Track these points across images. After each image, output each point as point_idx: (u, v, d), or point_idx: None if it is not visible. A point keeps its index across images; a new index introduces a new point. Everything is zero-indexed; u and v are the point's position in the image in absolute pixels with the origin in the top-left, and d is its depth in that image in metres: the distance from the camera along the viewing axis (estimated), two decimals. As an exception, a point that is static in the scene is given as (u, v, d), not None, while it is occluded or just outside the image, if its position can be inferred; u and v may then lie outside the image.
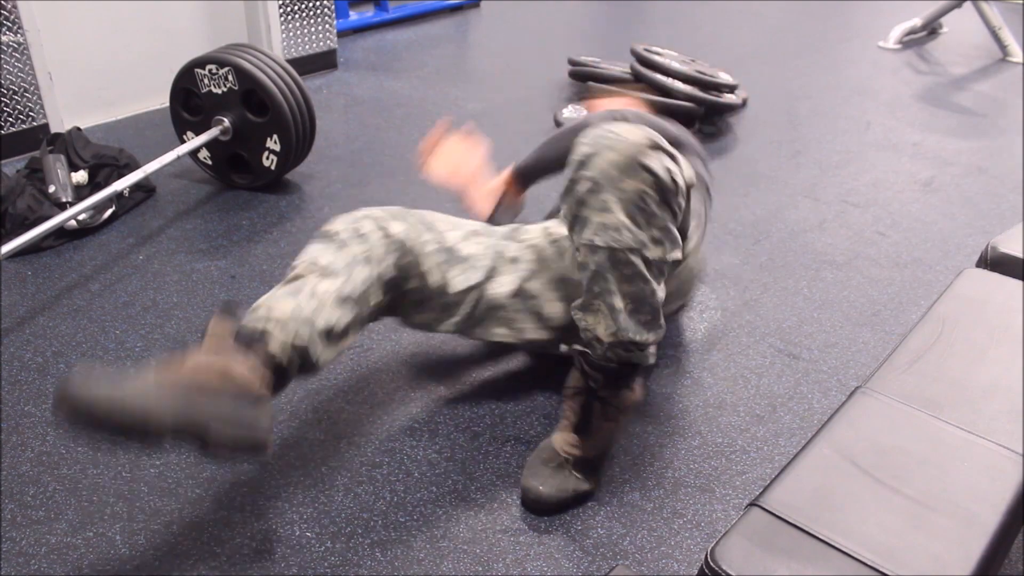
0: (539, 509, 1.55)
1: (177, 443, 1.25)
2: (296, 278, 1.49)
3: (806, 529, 1.04)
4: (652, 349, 1.54)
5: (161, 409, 1.21)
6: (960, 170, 3.09)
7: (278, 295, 1.45)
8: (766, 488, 1.10)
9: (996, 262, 1.71)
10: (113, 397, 1.18)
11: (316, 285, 1.47)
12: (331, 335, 1.46)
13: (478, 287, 1.68)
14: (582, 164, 1.40)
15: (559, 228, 1.78)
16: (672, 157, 1.44)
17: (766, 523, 1.05)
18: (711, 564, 0.99)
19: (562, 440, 1.59)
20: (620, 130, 1.39)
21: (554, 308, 1.71)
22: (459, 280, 1.67)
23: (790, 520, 1.05)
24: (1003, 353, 1.41)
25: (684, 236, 1.58)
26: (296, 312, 1.41)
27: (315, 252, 1.55)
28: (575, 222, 1.44)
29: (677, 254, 1.48)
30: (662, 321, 1.52)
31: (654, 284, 1.46)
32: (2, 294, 2.14)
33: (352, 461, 1.65)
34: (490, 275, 1.70)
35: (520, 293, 1.70)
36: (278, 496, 1.57)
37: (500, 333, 1.72)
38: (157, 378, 1.24)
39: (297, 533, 1.49)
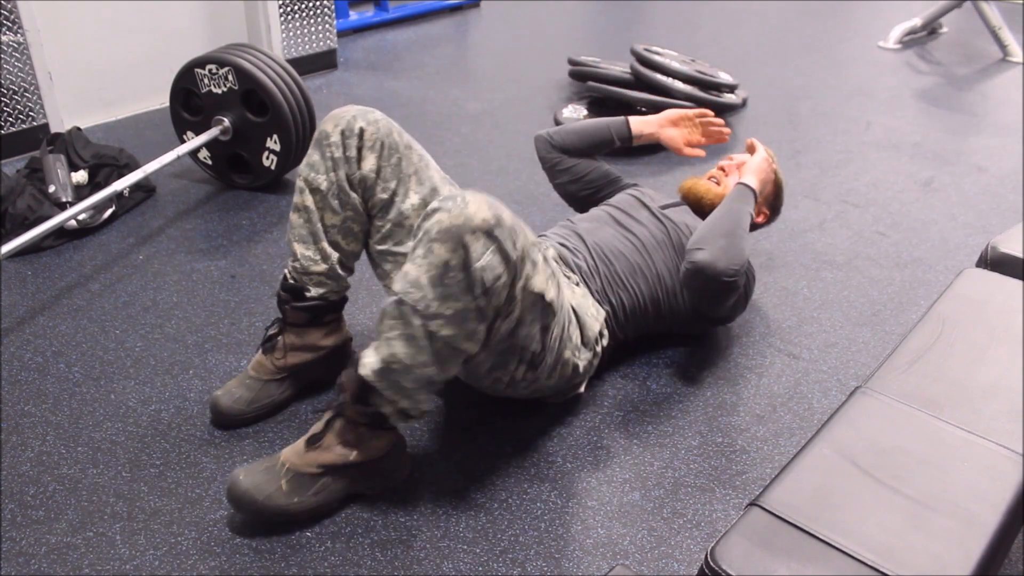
0: (231, 499, 1.48)
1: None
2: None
3: (806, 529, 1.04)
4: (407, 413, 1.47)
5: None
6: (960, 170, 3.09)
7: None
8: (766, 488, 1.10)
9: (996, 262, 1.71)
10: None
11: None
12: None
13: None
14: (427, 215, 1.36)
15: None
16: (504, 255, 1.35)
17: (766, 523, 1.05)
18: (711, 564, 0.99)
19: (291, 446, 1.52)
20: (469, 199, 1.34)
21: None
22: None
23: (790, 520, 1.05)
24: (1003, 353, 1.41)
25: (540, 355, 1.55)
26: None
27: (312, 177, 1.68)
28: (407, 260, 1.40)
29: (467, 347, 1.40)
30: (425, 397, 1.46)
31: (427, 357, 1.38)
32: (2, 294, 2.14)
33: (352, 461, 1.65)
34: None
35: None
36: (278, 496, 1.57)
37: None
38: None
39: (297, 533, 1.49)
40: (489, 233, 1.33)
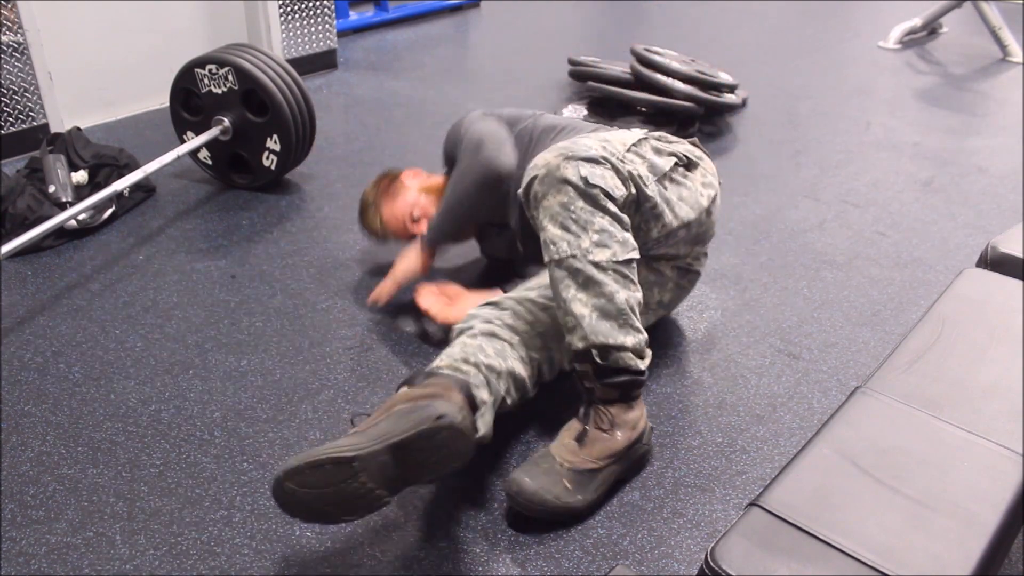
0: (520, 502, 1.49)
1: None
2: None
3: (806, 529, 1.04)
4: (641, 356, 1.55)
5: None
6: (960, 170, 3.09)
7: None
8: (766, 488, 1.10)
9: (996, 262, 1.71)
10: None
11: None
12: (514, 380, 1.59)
13: None
14: (523, 195, 1.56)
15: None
16: (590, 160, 1.51)
17: (766, 523, 1.05)
18: (711, 564, 0.99)
19: (559, 445, 1.57)
20: (537, 160, 1.54)
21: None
22: None
23: (790, 520, 1.05)
24: (1003, 353, 1.41)
25: (655, 220, 1.66)
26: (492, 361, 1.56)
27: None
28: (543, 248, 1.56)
29: (631, 255, 1.53)
30: (637, 324, 1.54)
31: (613, 285, 1.50)
32: (2, 294, 2.14)
33: (352, 461, 1.65)
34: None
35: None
36: (278, 496, 1.56)
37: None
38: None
39: (297, 533, 1.49)
40: (569, 158, 1.49)
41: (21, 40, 2.73)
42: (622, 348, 1.52)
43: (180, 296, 2.16)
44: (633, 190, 1.58)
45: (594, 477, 1.54)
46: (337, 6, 4.06)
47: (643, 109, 3.28)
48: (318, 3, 3.68)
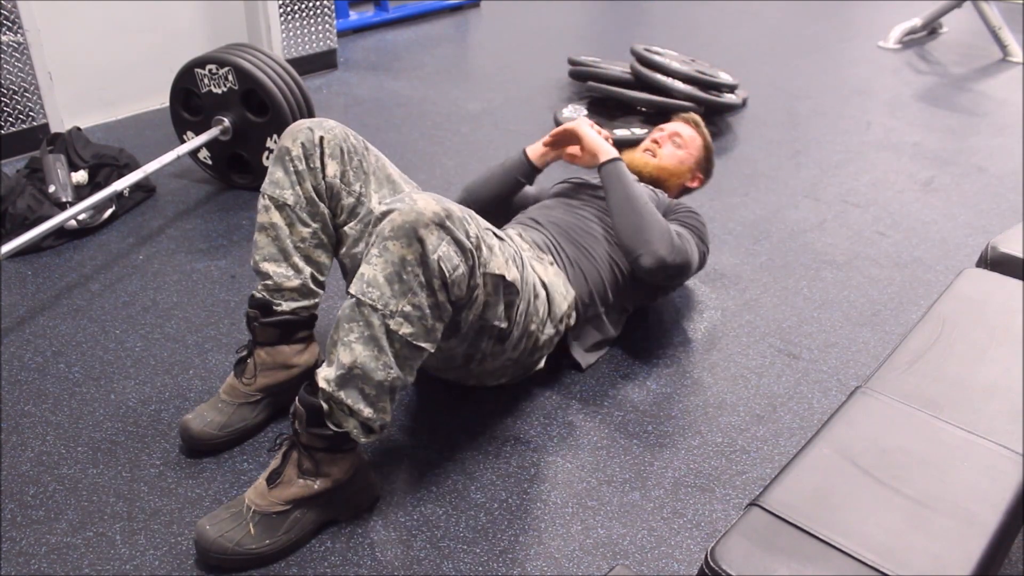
0: (200, 550, 1.41)
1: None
2: (272, 226, 1.66)
3: (806, 529, 1.04)
4: (369, 433, 1.43)
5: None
6: (960, 170, 3.09)
7: (273, 266, 1.67)
8: (766, 488, 1.10)
9: (996, 262, 1.71)
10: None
11: (296, 240, 1.66)
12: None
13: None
14: (378, 219, 1.39)
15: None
16: (459, 245, 1.38)
17: (766, 523, 1.05)
18: (711, 564, 0.99)
19: (254, 486, 1.46)
20: (417, 197, 1.37)
21: None
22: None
23: (790, 520, 1.05)
24: (1003, 353, 1.41)
25: (477, 328, 1.54)
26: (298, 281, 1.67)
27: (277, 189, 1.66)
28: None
29: (426, 345, 1.40)
30: (389, 405, 1.43)
31: (389, 358, 1.37)
32: (2, 294, 2.14)
33: (352, 461, 1.65)
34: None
35: None
36: (278, 496, 1.56)
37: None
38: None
39: (297, 533, 1.49)
40: (441, 225, 1.37)
41: (21, 40, 2.73)
42: (355, 415, 1.40)
43: (180, 296, 2.16)
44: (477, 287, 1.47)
45: (283, 520, 1.43)
46: (337, 6, 4.06)
47: (643, 109, 3.28)
48: (318, 3, 3.68)
